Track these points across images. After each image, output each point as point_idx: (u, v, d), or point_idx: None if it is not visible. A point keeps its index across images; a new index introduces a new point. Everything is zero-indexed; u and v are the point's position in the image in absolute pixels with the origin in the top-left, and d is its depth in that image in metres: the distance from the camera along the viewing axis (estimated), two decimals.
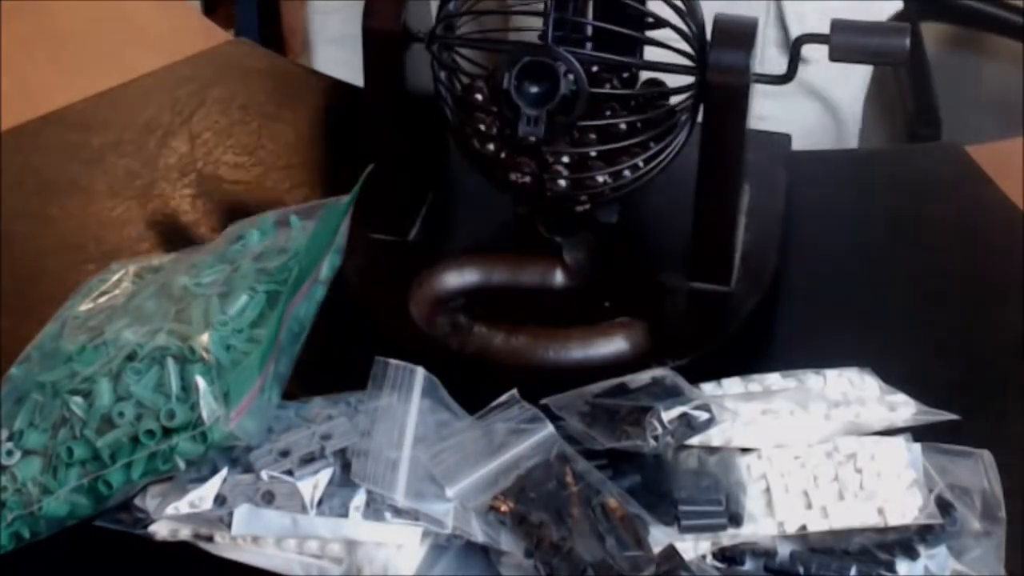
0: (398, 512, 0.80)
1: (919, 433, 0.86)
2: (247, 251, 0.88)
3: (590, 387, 0.85)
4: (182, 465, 0.80)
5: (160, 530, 0.81)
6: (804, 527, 0.81)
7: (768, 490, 0.82)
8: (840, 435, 0.85)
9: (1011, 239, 1.02)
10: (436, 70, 0.92)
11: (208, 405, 0.79)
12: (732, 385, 0.88)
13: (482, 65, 0.91)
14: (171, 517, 0.81)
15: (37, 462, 0.81)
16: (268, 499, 0.80)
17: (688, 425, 0.82)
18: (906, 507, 0.81)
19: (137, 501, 0.82)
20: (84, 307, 0.89)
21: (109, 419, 0.80)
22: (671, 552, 0.77)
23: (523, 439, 0.82)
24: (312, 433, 0.83)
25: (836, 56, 0.87)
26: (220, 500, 0.81)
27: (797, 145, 1.06)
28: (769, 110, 1.04)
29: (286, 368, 0.85)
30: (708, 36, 0.88)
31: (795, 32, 1.20)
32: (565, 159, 0.90)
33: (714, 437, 0.84)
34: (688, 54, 0.89)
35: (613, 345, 0.91)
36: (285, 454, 0.82)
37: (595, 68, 0.91)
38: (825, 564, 0.79)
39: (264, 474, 0.81)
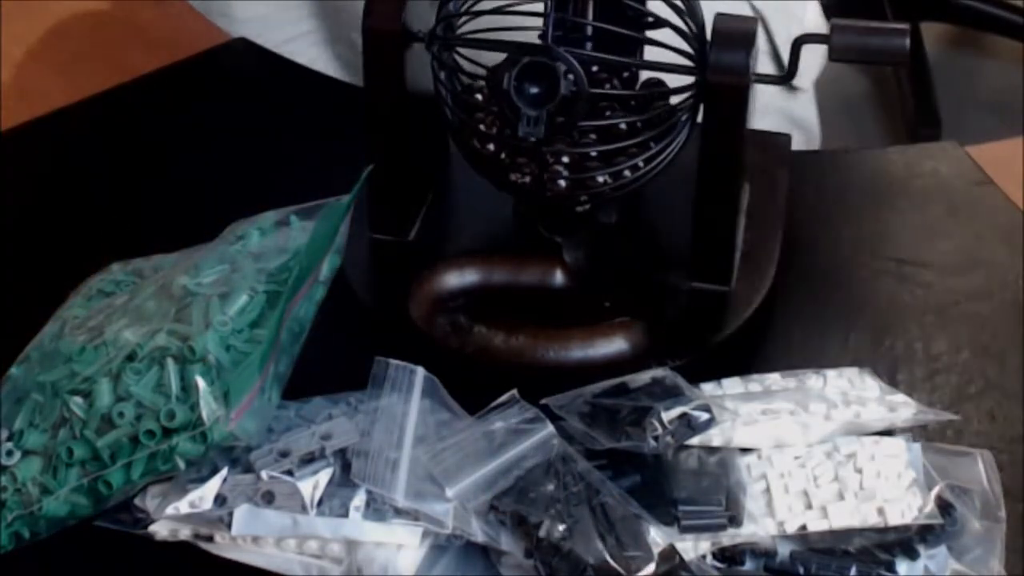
0: (398, 512, 0.80)
1: (919, 433, 0.86)
2: (247, 251, 0.88)
3: (590, 387, 0.85)
4: (182, 465, 0.80)
5: (160, 530, 0.81)
6: (804, 527, 0.81)
7: (768, 490, 0.82)
8: (840, 435, 0.85)
9: (1011, 239, 1.02)
10: (436, 70, 0.92)
11: (208, 405, 0.79)
12: (732, 385, 0.88)
13: (482, 65, 0.91)
14: (171, 517, 0.81)
15: (37, 462, 0.81)
16: (268, 499, 0.80)
17: (688, 425, 0.82)
18: (906, 507, 0.81)
19: (137, 501, 0.82)
20: (84, 307, 0.89)
21: (109, 419, 0.80)
22: (671, 552, 0.77)
23: (523, 439, 0.82)
24: (312, 433, 0.83)
25: (836, 56, 0.87)
26: (220, 500, 0.81)
27: None
28: None
29: (286, 368, 0.85)
30: (708, 36, 0.88)
31: None
32: (565, 159, 0.90)
33: (714, 437, 0.84)
34: (688, 54, 0.89)
35: (613, 345, 0.91)
36: (285, 454, 0.82)
37: (595, 68, 0.91)
38: (825, 564, 0.79)
39: (264, 474, 0.81)
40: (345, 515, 0.80)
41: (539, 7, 0.88)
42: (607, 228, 0.96)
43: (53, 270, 1.00)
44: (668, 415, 0.82)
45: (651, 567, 0.76)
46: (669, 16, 0.89)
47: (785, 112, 1.22)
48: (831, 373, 0.88)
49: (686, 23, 0.88)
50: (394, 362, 0.85)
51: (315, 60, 1.24)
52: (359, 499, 0.80)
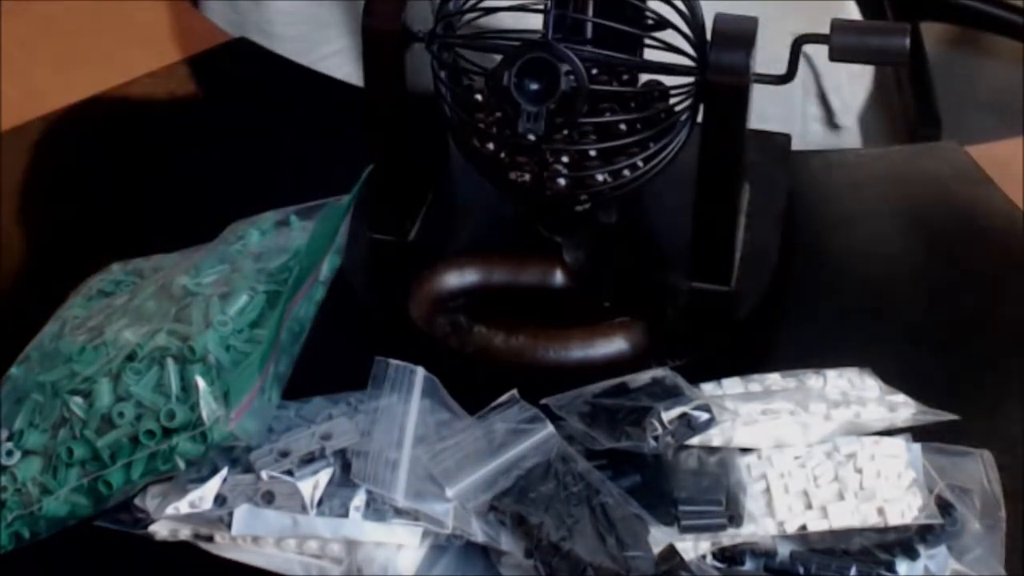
0: (398, 512, 0.80)
1: (919, 433, 0.86)
2: (247, 251, 0.88)
3: (590, 387, 0.85)
4: (182, 465, 0.80)
5: (160, 530, 0.81)
6: (804, 527, 0.81)
7: (768, 490, 0.82)
8: (840, 435, 0.85)
9: (1011, 239, 1.02)
10: (436, 70, 0.92)
11: (208, 405, 0.79)
12: (732, 385, 0.88)
13: (482, 65, 0.91)
14: (171, 517, 0.81)
15: (37, 462, 0.81)
16: (268, 499, 0.80)
17: (688, 425, 0.82)
18: (906, 507, 0.81)
19: (137, 501, 0.82)
20: (84, 307, 0.89)
21: (109, 419, 0.80)
22: (671, 552, 0.77)
23: (523, 439, 0.82)
24: (312, 433, 0.83)
25: (836, 56, 0.87)
26: (220, 500, 0.81)
27: None
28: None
29: (286, 368, 0.85)
30: (708, 36, 0.88)
31: (837, 107, 1.21)
32: (564, 158, 0.90)
33: (714, 437, 0.84)
34: (688, 54, 0.89)
35: (613, 345, 0.91)
36: (285, 454, 0.82)
37: (595, 71, 0.91)
38: (825, 564, 0.79)
39: (264, 474, 0.81)
40: (345, 515, 0.80)
41: (539, 7, 0.88)
42: (607, 228, 0.96)
43: (53, 270, 1.00)
44: (668, 415, 0.82)
45: (651, 567, 0.76)
46: (669, 16, 0.89)
47: (831, 147, 1.23)
48: (831, 373, 0.88)
49: (687, 23, 0.88)
50: (394, 362, 0.85)
51: (351, 75, 1.25)
52: (359, 499, 0.80)
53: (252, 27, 1.25)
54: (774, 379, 0.88)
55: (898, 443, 0.84)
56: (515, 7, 0.90)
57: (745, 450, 0.84)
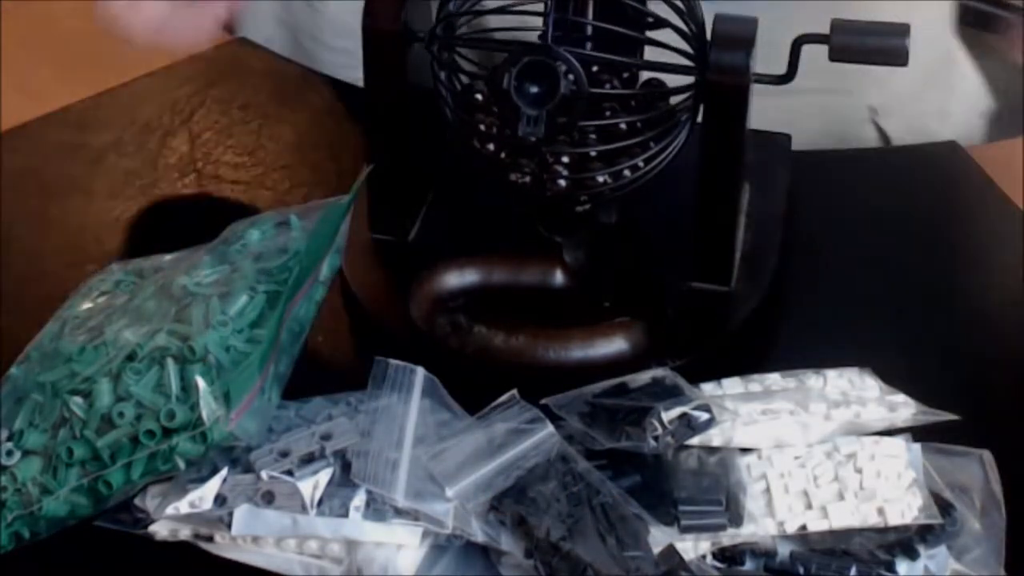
0: (398, 512, 0.80)
1: (919, 433, 0.86)
2: (247, 251, 0.88)
3: (590, 387, 0.85)
4: (182, 465, 0.80)
5: (160, 530, 0.81)
6: (804, 527, 0.81)
7: (768, 490, 0.82)
8: (840, 435, 0.85)
9: (1011, 239, 1.02)
10: (436, 70, 0.92)
11: (208, 405, 0.79)
12: (732, 385, 0.88)
13: (482, 65, 0.91)
14: (171, 517, 0.81)
15: (37, 462, 0.81)
16: (268, 499, 0.80)
17: (688, 425, 0.82)
18: (906, 507, 0.81)
19: (137, 501, 0.82)
20: (84, 307, 0.89)
21: (109, 419, 0.80)
22: (671, 552, 0.77)
23: (523, 439, 0.82)
24: (312, 433, 0.83)
25: (836, 56, 0.87)
26: (220, 500, 0.81)
27: None
28: None
29: (286, 368, 0.85)
30: (708, 36, 0.88)
31: None
32: (565, 159, 0.90)
33: (714, 437, 0.84)
34: (688, 54, 0.89)
35: (613, 345, 0.91)
36: (285, 454, 0.82)
37: (595, 68, 0.91)
38: (825, 564, 0.79)
39: (264, 474, 0.81)
40: (345, 515, 0.80)
41: (539, 7, 0.88)
42: (607, 228, 0.96)
43: (53, 270, 1.00)
44: (668, 415, 0.82)
45: (651, 567, 0.76)
46: (669, 16, 0.89)
47: None
48: (831, 373, 0.88)
49: (686, 23, 0.88)
50: (394, 362, 0.85)
51: None
52: (359, 499, 0.80)
53: (304, 32, 1.24)
54: (774, 379, 0.88)
55: (898, 443, 0.84)
56: (515, 8, 0.90)
57: (745, 450, 0.84)
